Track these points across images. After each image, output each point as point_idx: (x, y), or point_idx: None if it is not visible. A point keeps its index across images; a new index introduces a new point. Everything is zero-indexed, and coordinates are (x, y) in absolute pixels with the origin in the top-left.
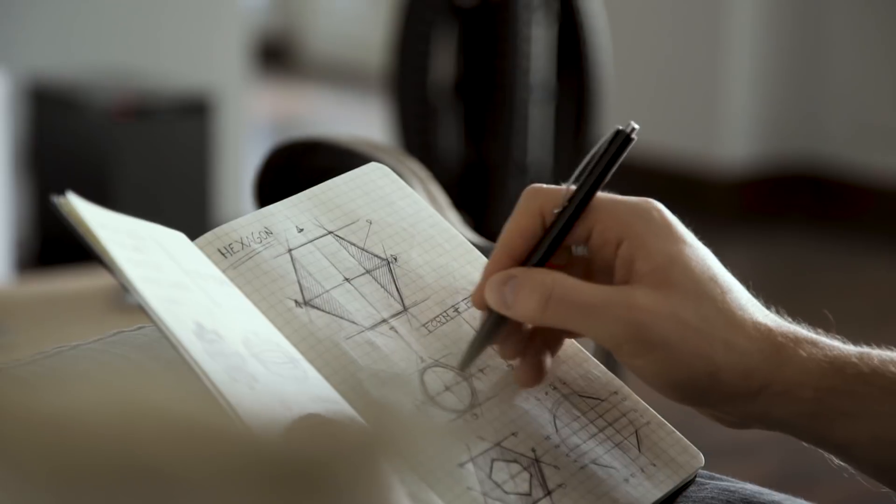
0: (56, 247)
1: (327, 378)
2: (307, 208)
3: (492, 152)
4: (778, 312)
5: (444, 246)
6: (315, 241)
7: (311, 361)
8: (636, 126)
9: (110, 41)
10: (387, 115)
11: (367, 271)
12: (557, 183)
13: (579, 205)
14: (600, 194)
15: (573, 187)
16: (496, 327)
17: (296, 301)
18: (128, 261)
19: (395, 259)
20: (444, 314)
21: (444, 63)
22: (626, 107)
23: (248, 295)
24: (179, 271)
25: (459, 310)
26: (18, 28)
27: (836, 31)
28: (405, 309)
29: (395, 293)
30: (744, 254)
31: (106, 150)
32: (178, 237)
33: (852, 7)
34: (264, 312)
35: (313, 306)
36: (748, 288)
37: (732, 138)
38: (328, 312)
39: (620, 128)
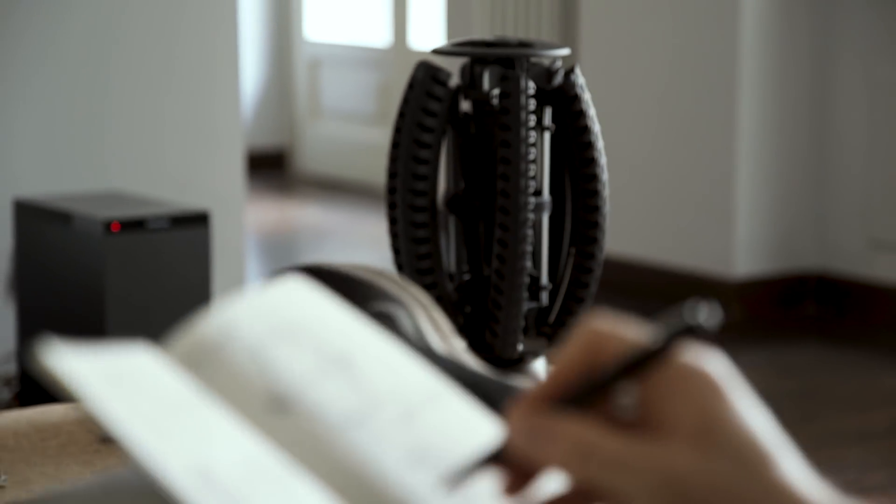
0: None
1: (315, 486)
2: (264, 313)
3: (498, 269)
4: (793, 430)
5: (390, 346)
6: (277, 344)
7: (296, 470)
8: (717, 313)
9: (103, 160)
10: (386, 232)
11: (325, 377)
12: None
13: (641, 366)
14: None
15: (641, 340)
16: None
17: (269, 408)
18: (109, 412)
19: (355, 358)
20: (410, 412)
21: (439, 177)
22: (631, 222)
23: (222, 404)
24: (160, 403)
25: (422, 410)
26: (6, 149)
27: (845, 145)
28: (377, 407)
29: (364, 392)
30: (756, 366)
31: (98, 265)
32: (149, 357)
33: (859, 121)
34: (241, 422)
35: (288, 412)
36: (766, 405)
37: (743, 251)
38: (304, 417)
39: (701, 324)
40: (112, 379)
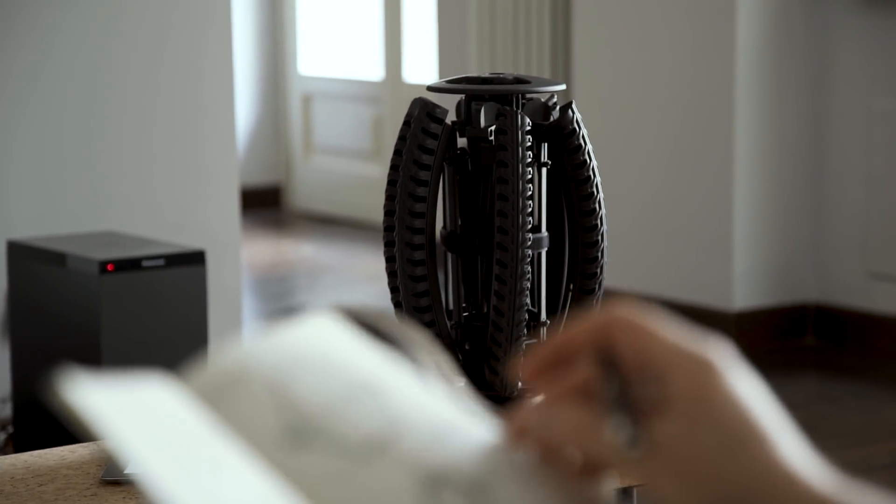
0: (33, 417)
1: None
2: (288, 345)
3: (496, 306)
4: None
5: (414, 378)
6: (301, 374)
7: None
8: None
9: (97, 202)
10: (383, 269)
11: (352, 401)
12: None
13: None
14: (666, 334)
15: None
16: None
17: (285, 443)
18: (128, 449)
19: (382, 385)
20: (436, 436)
21: (436, 214)
22: (629, 256)
23: (237, 440)
24: (176, 438)
25: (446, 436)
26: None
27: (843, 178)
28: (396, 436)
29: (392, 414)
30: None
31: (94, 306)
32: (166, 390)
33: (857, 153)
34: (255, 459)
35: (305, 447)
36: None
37: (741, 284)
38: (320, 451)
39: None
40: (130, 414)
